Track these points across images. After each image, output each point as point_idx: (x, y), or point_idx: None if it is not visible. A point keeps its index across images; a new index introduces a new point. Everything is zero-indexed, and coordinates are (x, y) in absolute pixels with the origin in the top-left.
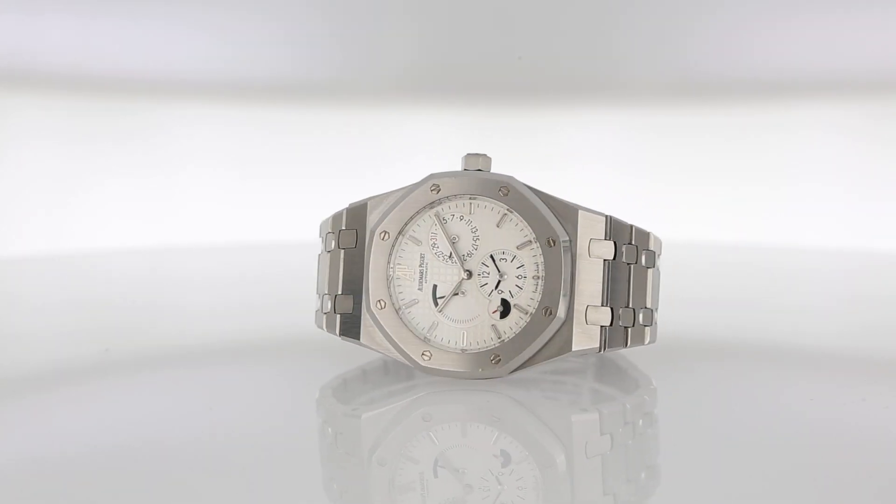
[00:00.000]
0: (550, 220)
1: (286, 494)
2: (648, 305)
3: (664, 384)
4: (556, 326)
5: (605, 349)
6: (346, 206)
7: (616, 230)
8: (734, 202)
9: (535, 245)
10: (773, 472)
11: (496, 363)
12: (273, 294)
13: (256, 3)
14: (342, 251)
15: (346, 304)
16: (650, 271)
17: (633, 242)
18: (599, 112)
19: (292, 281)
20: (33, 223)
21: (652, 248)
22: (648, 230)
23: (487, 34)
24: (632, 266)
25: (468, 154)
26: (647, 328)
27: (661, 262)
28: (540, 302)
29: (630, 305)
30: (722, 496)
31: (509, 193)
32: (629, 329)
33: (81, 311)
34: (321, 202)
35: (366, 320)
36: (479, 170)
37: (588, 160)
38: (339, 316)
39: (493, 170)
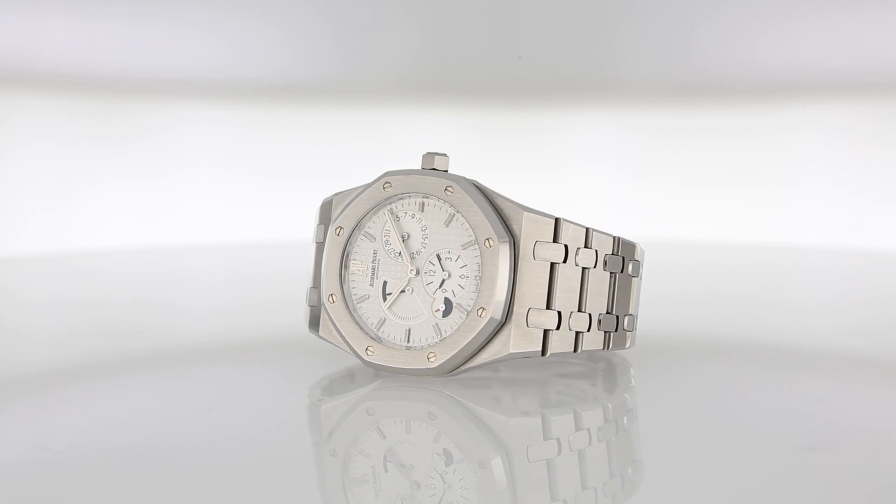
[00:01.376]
0: (490, 221)
1: (275, 492)
2: (612, 311)
3: (653, 383)
4: (491, 327)
5: (548, 353)
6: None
7: (567, 233)
8: (734, 202)
9: (476, 245)
10: (753, 477)
11: (433, 361)
12: (274, 293)
13: (256, 4)
14: (316, 245)
15: (314, 298)
16: (617, 276)
17: (590, 246)
18: (599, 112)
19: (293, 280)
20: (34, 223)
21: (619, 252)
22: (615, 234)
23: (487, 34)
24: (588, 270)
25: (426, 153)
26: (610, 334)
27: (644, 267)
28: (475, 302)
29: (585, 310)
30: None
31: (454, 193)
32: (582, 334)
33: (81, 311)
34: (321, 202)
35: (324, 313)
36: (434, 168)
37: (588, 160)
38: (309, 308)
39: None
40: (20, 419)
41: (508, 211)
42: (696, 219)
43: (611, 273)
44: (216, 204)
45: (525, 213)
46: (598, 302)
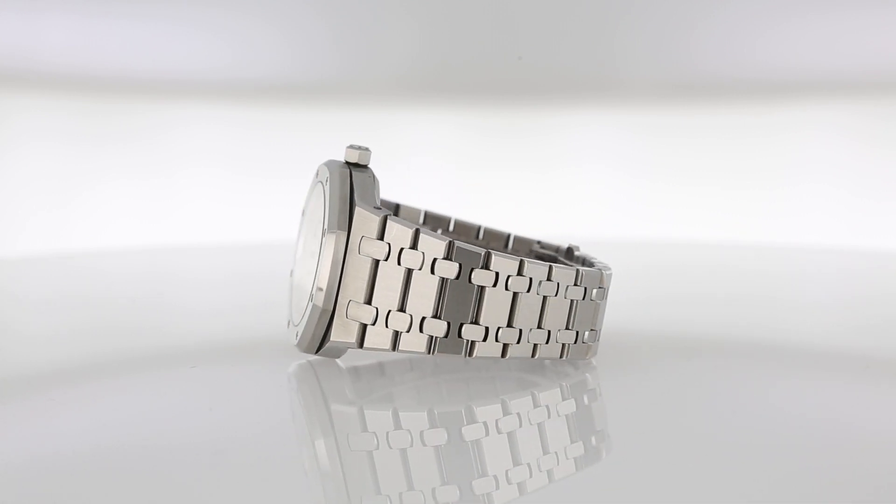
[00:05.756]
0: (331, 212)
1: (275, 491)
2: (441, 317)
3: (623, 379)
4: (317, 314)
5: (362, 346)
6: None
7: (392, 232)
8: (734, 202)
9: None
10: (747, 479)
11: (297, 339)
12: (275, 293)
13: (256, 4)
14: None
15: None
16: (451, 282)
17: (417, 248)
18: (599, 112)
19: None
20: (34, 223)
21: (457, 259)
22: (439, 240)
23: (487, 34)
24: (413, 271)
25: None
26: (437, 339)
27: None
28: (312, 288)
29: (405, 310)
30: None
31: (327, 183)
32: (401, 333)
33: (81, 311)
34: None
35: None
36: (347, 161)
37: (588, 160)
38: None
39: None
40: (20, 419)
41: (354, 203)
42: (695, 219)
43: (442, 278)
44: (216, 203)
45: (357, 207)
46: (421, 304)
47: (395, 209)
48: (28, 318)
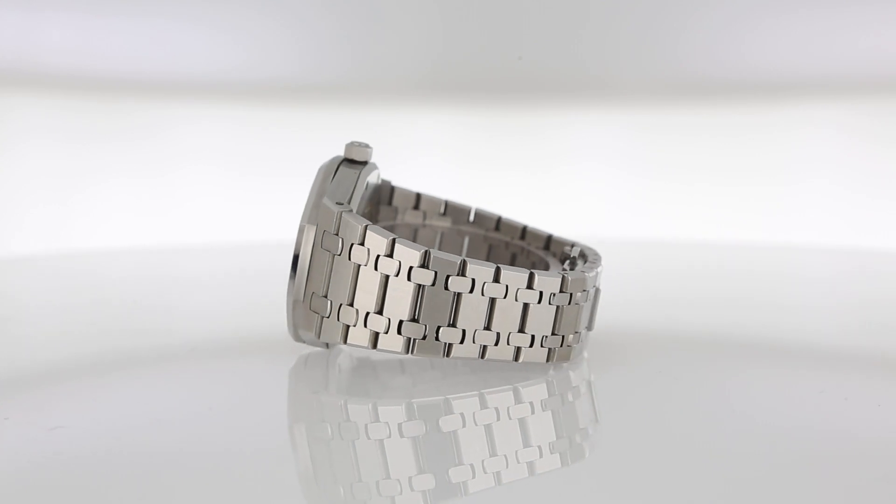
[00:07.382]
0: (306, 206)
1: (275, 490)
2: (381, 312)
3: (612, 376)
4: (290, 304)
5: (319, 337)
6: None
7: (346, 228)
8: (734, 202)
9: None
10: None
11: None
12: (278, 293)
13: (259, 3)
14: None
15: None
16: (373, 272)
17: (363, 244)
18: (599, 112)
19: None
20: (34, 222)
21: (396, 256)
22: (382, 237)
23: (487, 34)
24: (360, 266)
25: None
26: (378, 334)
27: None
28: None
29: (352, 304)
30: None
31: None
32: (350, 328)
33: (81, 311)
34: None
35: None
36: (345, 158)
37: (588, 160)
38: None
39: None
40: (20, 419)
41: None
42: (695, 218)
43: (384, 275)
44: (216, 203)
45: (322, 201)
46: (367, 300)
47: (444, 206)
48: (27, 318)
